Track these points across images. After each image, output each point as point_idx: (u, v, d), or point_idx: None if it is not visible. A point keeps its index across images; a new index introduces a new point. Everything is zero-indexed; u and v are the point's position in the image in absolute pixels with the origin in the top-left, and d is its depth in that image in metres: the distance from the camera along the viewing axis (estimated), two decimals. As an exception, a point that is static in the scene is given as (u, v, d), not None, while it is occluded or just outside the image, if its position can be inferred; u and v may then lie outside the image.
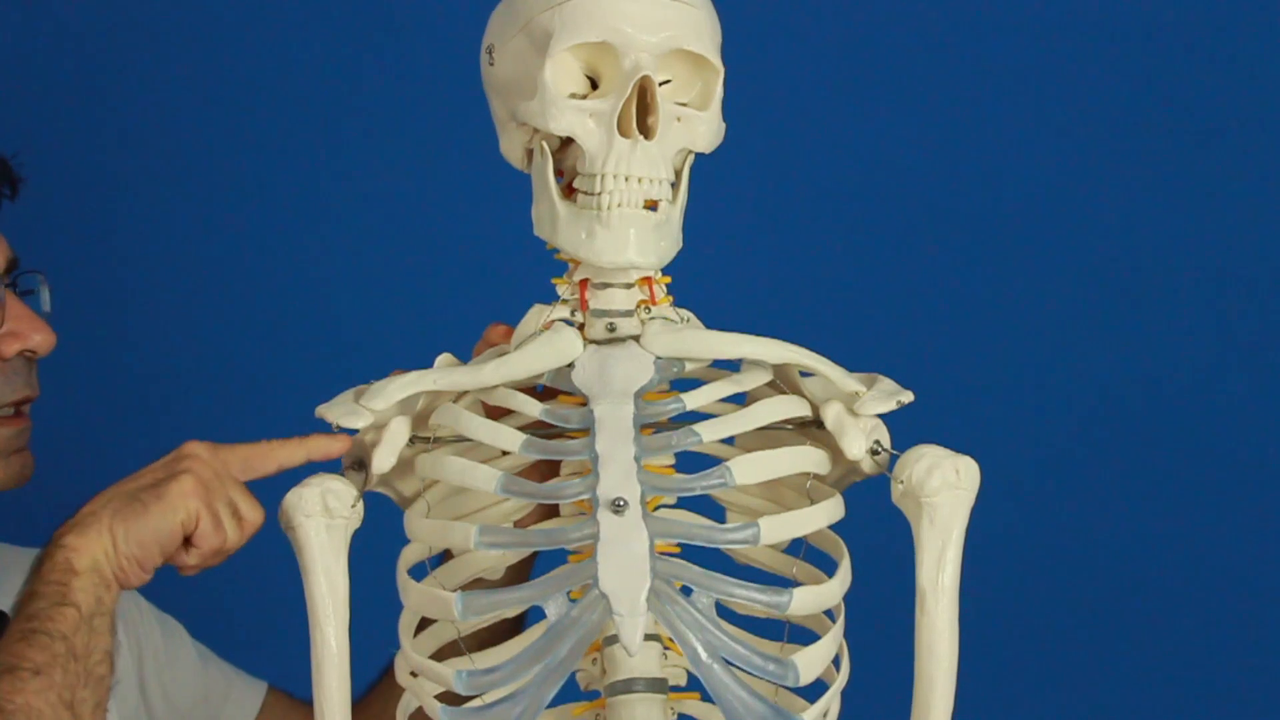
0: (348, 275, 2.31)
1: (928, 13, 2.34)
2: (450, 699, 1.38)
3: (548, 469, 1.46)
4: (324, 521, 1.37)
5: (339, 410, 1.40)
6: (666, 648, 1.38)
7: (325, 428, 1.41)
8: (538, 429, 1.39)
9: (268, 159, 2.30)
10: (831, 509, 1.39)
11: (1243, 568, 2.34)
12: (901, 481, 1.36)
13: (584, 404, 1.38)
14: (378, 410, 1.39)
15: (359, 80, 2.31)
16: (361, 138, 2.31)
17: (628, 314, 1.41)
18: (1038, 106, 2.33)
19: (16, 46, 2.30)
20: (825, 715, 1.38)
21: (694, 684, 1.37)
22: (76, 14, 2.29)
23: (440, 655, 1.44)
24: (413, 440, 1.42)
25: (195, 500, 1.36)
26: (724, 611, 1.36)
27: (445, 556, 1.46)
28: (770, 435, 1.41)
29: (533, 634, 1.45)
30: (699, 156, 1.42)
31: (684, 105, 1.40)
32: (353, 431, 1.41)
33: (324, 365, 2.25)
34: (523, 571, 1.53)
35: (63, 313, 2.28)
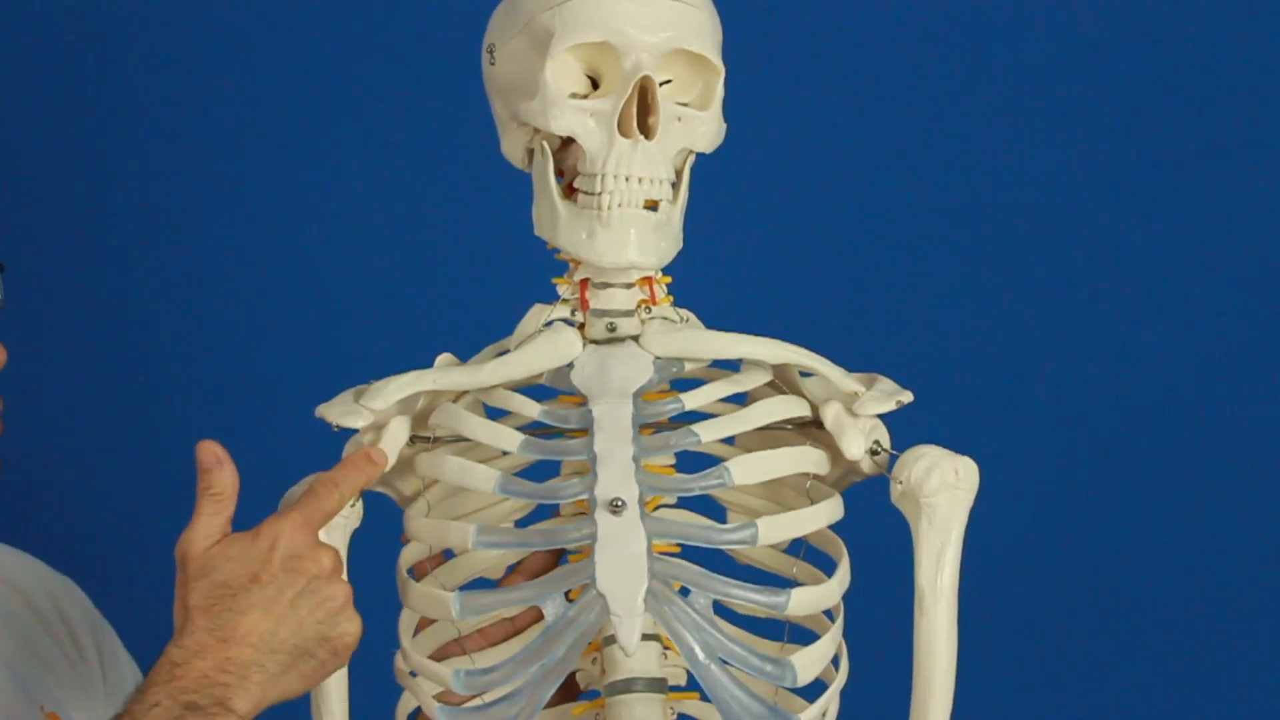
0: (347, 275, 2.31)
1: (930, 12, 2.33)
2: (448, 697, 1.39)
3: (551, 556, 1.45)
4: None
5: (338, 410, 1.40)
6: (666, 647, 1.38)
7: (329, 430, 1.41)
8: (537, 429, 1.40)
9: (266, 157, 2.30)
10: (831, 509, 1.39)
11: (1246, 570, 2.34)
12: (900, 482, 1.37)
13: (583, 404, 1.38)
14: (377, 410, 1.39)
15: (358, 78, 2.31)
16: (361, 137, 2.31)
17: (628, 314, 1.41)
18: (1041, 106, 2.33)
19: (14, 45, 2.30)
20: (824, 715, 1.38)
21: (694, 684, 1.38)
22: (75, 10, 2.29)
23: (439, 655, 1.45)
24: (413, 440, 1.42)
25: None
26: (723, 611, 1.36)
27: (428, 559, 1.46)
28: (770, 435, 1.41)
29: (530, 634, 1.45)
30: (700, 157, 1.42)
31: (685, 105, 1.40)
32: (352, 431, 1.41)
33: (323, 365, 2.25)
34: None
35: (64, 311, 2.29)
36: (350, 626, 1.32)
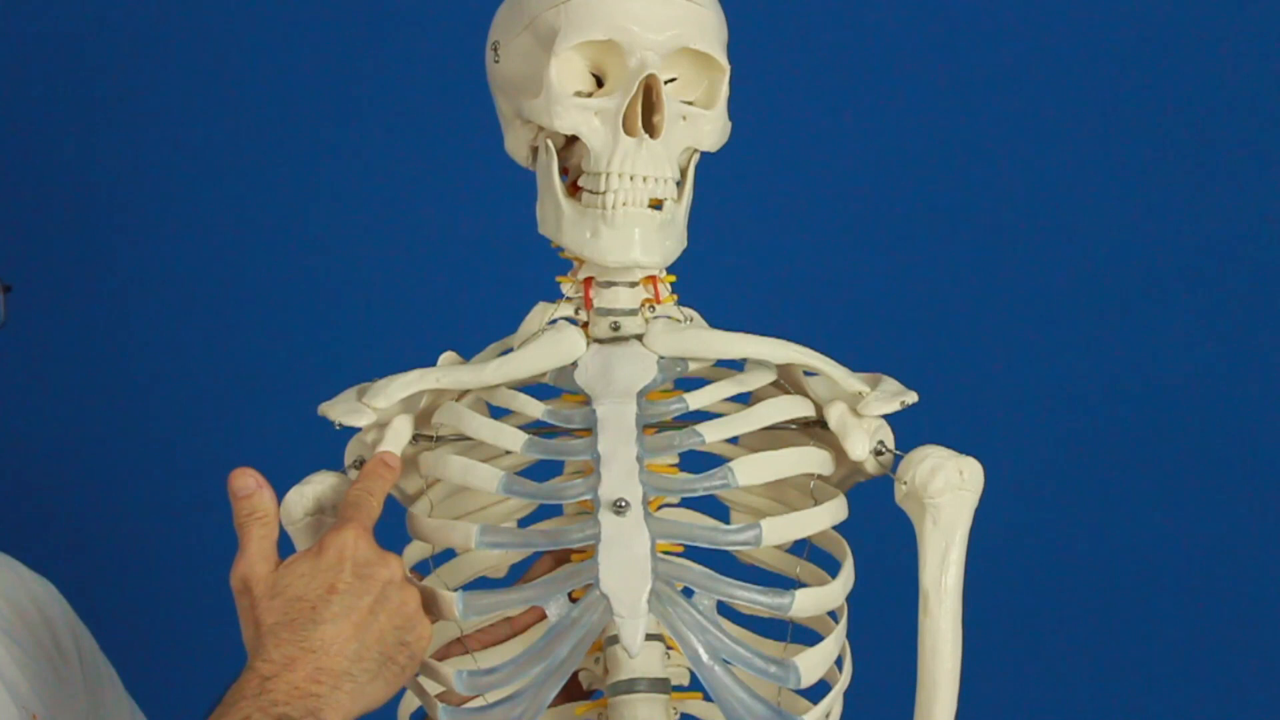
0: (351, 273, 2.30)
1: (932, 12, 2.33)
2: (450, 697, 1.38)
3: (555, 559, 1.45)
4: (326, 520, 1.37)
5: (341, 408, 1.39)
6: (669, 647, 1.38)
7: (332, 429, 1.41)
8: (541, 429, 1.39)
9: (270, 156, 2.30)
10: (835, 509, 1.39)
11: (1249, 570, 2.34)
12: (905, 482, 1.36)
13: (586, 403, 1.38)
14: (380, 408, 1.39)
15: (362, 76, 2.30)
16: (365, 134, 2.31)
17: (632, 313, 1.41)
18: (1042, 105, 2.33)
19: (13, 44, 2.29)
20: (827, 716, 1.37)
21: (696, 684, 1.37)
22: (74, 10, 2.29)
23: (440, 654, 1.44)
24: (416, 439, 1.42)
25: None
26: (727, 610, 1.35)
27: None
28: (774, 435, 1.41)
29: (533, 634, 1.45)
30: (704, 155, 1.42)
31: (690, 104, 1.40)
32: (355, 430, 1.40)
33: (327, 364, 2.25)
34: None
35: (58, 311, 2.28)
36: (424, 630, 1.32)
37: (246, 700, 1.25)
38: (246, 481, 1.34)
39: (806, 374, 1.43)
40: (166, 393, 2.31)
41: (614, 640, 1.35)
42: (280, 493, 1.38)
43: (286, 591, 1.29)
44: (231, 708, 1.25)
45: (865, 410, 1.38)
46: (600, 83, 1.39)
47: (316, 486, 1.39)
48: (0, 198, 2.29)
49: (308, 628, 1.28)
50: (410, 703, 1.44)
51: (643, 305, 1.41)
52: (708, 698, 1.35)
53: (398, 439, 1.39)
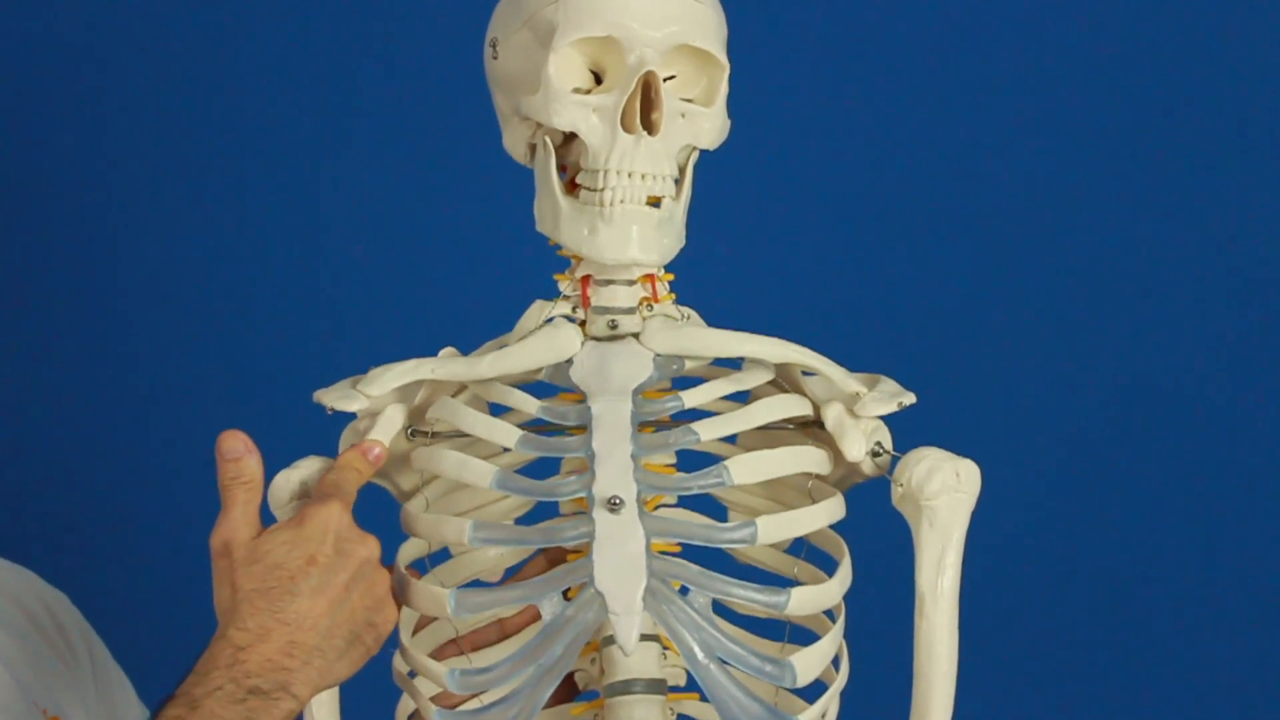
0: (348, 270, 2.30)
1: (931, 11, 2.33)
2: (445, 700, 1.38)
3: (550, 561, 1.45)
4: None
5: (335, 395, 1.39)
6: (665, 648, 1.37)
7: (327, 419, 1.40)
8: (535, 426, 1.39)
9: (268, 153, 2.30)
10: (832, 509, 1.38)
11: (1247, 572, 2.33)
12: (902, 484, 1.36)
13: (582, 401, 1.38)
14: (373, 396, 1.38)
15: (360, 73, 2.30)
16: (363, 131, 2.31)
17: (629, 311, 1.41)
18: (1041, 105, 2.33)
19: (15, 43, 2.29)
20: (824, 716, 1.37)
21: (693, 684, 1.37)
22: (75, 10, 2.29)
23: (435, 658, 1.44)
24: (412, 434, 1.41)
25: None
26: (724, 610, 1.35)
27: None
28: (771, 435, 1.41)
29: (528, 633, 1.44)
30: (703, 153, 1.41)
31: (689, 101, 1.39)
32: (349, 416, 1.40)
33: (324, 360, 2.24)
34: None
35: (65, 309, 2.28)
36: (391, 613, 1.33)
37: (220, 670, 1.25)
38: (235, 445, 1.34)
39: (804, 374, 1.42)
40: (163, 389, 2.31)
41: (610, 641, 1.35)
42: (269, 476, 1.38)
43: (266, 558, 1.29)
44: (204, 677, 1.25)
45: (862, 411, 1.37)
46: (599, 79, 1.38)
47: (304, 471, 1.39)
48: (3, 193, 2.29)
49: (284, 599, 1.28)
50: (408, 704, 1.43)
51: (640, 303, 1.41)
52: (704, 698, 1.35)
53: (389, 428, 1.39)
